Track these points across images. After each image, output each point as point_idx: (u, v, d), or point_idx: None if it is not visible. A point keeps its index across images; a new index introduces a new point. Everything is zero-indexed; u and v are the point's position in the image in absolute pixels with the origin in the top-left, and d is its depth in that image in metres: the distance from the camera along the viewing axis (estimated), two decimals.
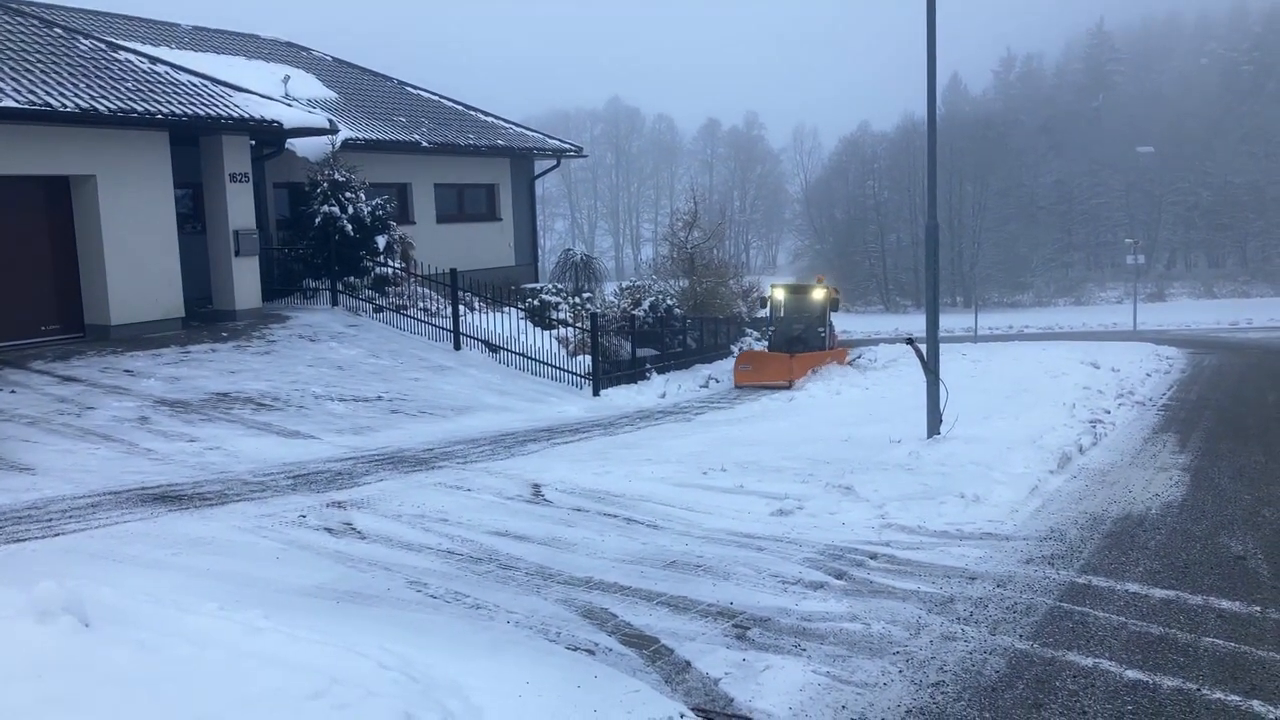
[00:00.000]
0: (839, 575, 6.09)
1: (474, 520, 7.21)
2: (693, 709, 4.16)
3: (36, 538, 6.34)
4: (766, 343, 23.42)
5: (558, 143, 26.67)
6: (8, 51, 14.23)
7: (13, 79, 13.51)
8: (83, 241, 14.80)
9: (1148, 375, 18.78)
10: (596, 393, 16.60)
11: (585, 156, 28.05)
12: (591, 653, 4.76)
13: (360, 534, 6.70)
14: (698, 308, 28.42)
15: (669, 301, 24.00)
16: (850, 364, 22.53)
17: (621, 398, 16.70)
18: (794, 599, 5.60)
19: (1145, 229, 68.22)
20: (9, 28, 15.03)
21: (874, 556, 6.52)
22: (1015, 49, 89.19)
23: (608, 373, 17.70)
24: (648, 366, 19.88)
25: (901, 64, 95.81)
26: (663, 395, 17.57)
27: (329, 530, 6.74)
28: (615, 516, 7.50)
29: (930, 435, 10.33)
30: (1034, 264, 69.06)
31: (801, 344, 21.22)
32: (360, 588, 5.56)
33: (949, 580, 6.01)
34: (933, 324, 10.39)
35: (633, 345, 19.62)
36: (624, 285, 27.21)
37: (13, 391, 11.53)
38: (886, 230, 71.65)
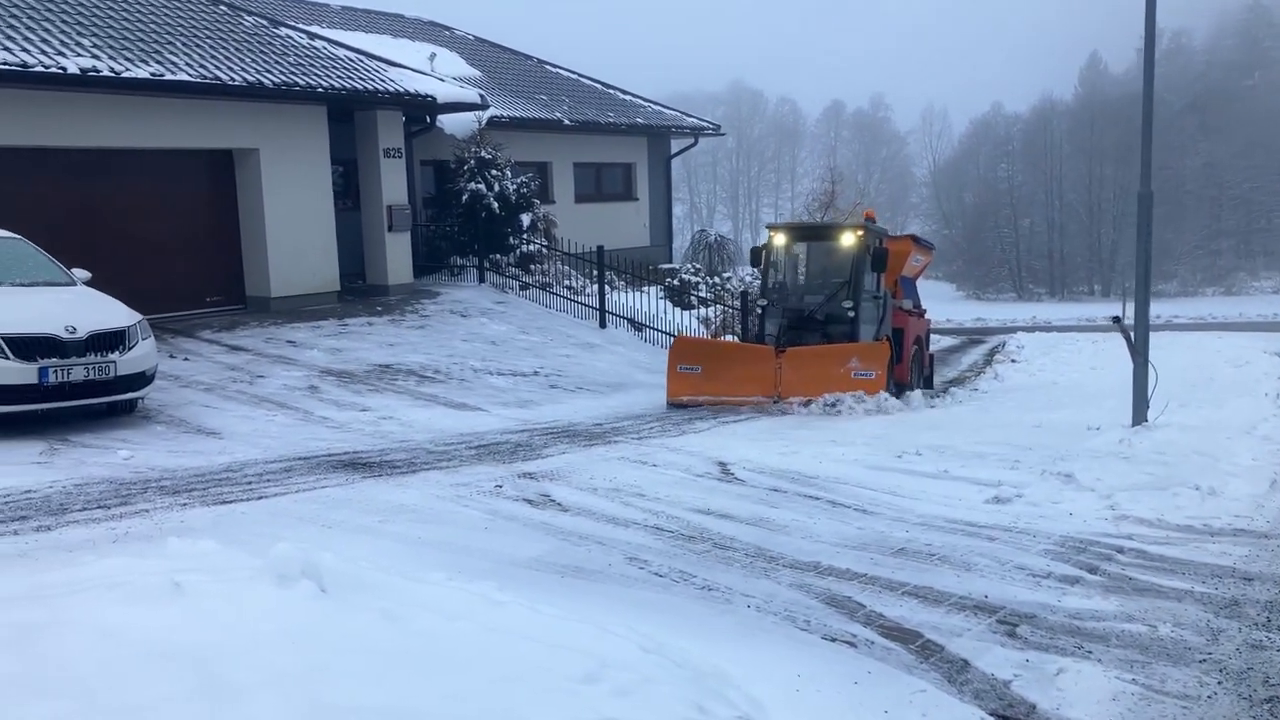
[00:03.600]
0: (1091, 570, 5.49)
1: (671, 496, 6.84)
2: (991, 714, 3.67)
3: (241, 500, 6.22)
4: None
5: (695, 120, 26.22)
6: (179, 29, 14.49)
7: (184, 54, 13.74)
8: (245, 215, 15.03)
9: None
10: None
11: (724, 134, 27.53)
12: (853, 645, 4.31)
13: (561, 506, 6.40)
14: None
15: None
16: (923, 375, 14.59)
17: None
18: (1053, 594, 5.04)
19: None
20: (179, 6, 15.33)
21: (1121, 551, 5.89)
22: (1161, 25, 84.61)
23: None
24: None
25: (1037, 44, 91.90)
26: None
27: (529, 501, 6.46)
28: (817, 499, 7.04)
29: (1136, 423, 9.53)
30: (1178, 251, 65.47)
31: (811, 331, 12.25)
32: (579, 562, 5.23)
33: (1221, 580, 5.35)
34: (1143, 304, 9.59)
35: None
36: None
37: (186, 359, 11.72)
38: (1020, 215, 68.89)
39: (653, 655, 3.74)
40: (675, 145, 26.20)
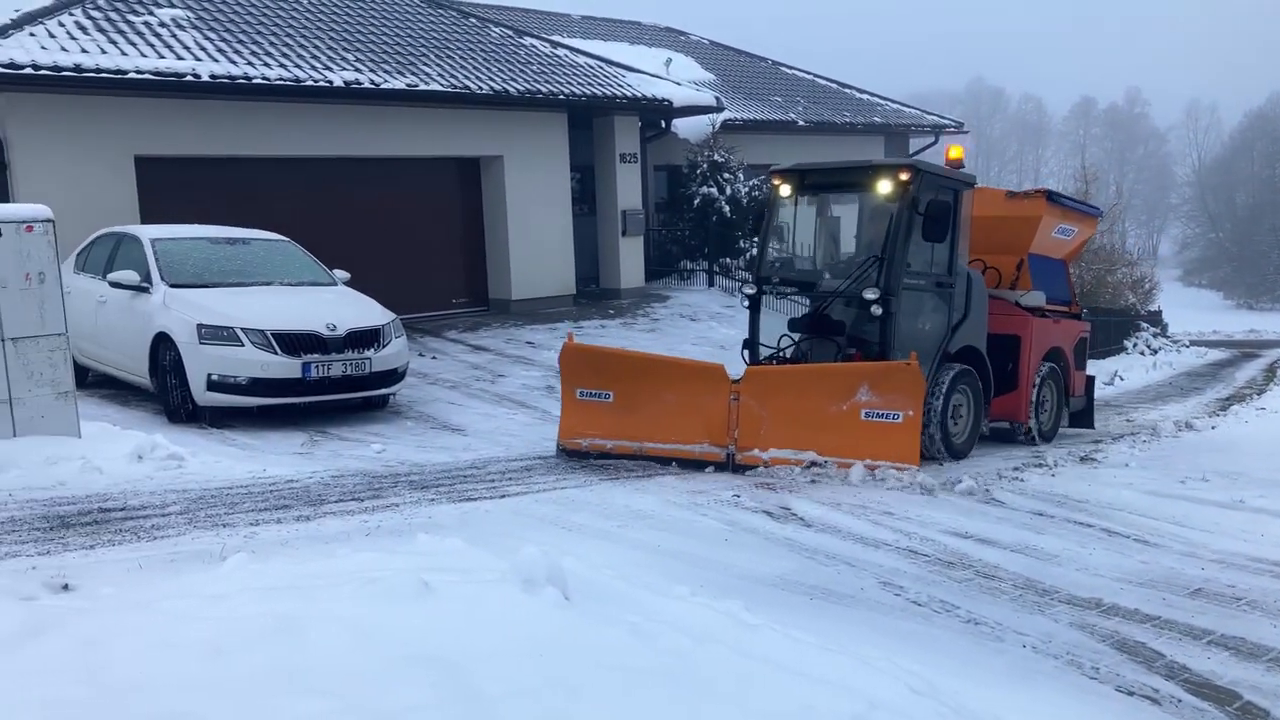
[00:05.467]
0: None
1: (923, 516, 6.34)
2: None
3: (485, 497, 6.27)
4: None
5: (936, 118, 25.10)
6: (432, 42, 15.20)
7: (436, 65, 14.37)
8: (489, 220, 15.58)
9: None
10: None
11: (966, 132, 26.17)
12: (1155, 701, 3.74)
13: (804, 521, 6.05)
14: (1084, 298, 25.65)
15: None
16: (1063, 410, 9.98)
17: None
18: None
19: None
20: (432, 19, 16.10)
21: None
22: None
23: None
24: None
25: None
26: None
27: (769, 514, 6.15)
28: (1089, 526, 6.34)
29: None
30: None
31: (828, 337, 8.12)
32: (828, 583, 4.88)
33: None
34: None
35: None
36: None
37: (434, 357, 12.20)
38: None
39: (925, 698, 3.34)
40: (914, 145, 25.16)
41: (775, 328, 8.37)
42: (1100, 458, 8.71)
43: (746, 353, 8.47)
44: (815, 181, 8.62)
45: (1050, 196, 9.84)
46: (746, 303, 8.57)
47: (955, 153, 9.11)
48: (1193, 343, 28.90)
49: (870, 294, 7.74)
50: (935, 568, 5.27)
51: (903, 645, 4.05)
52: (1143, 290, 33.11)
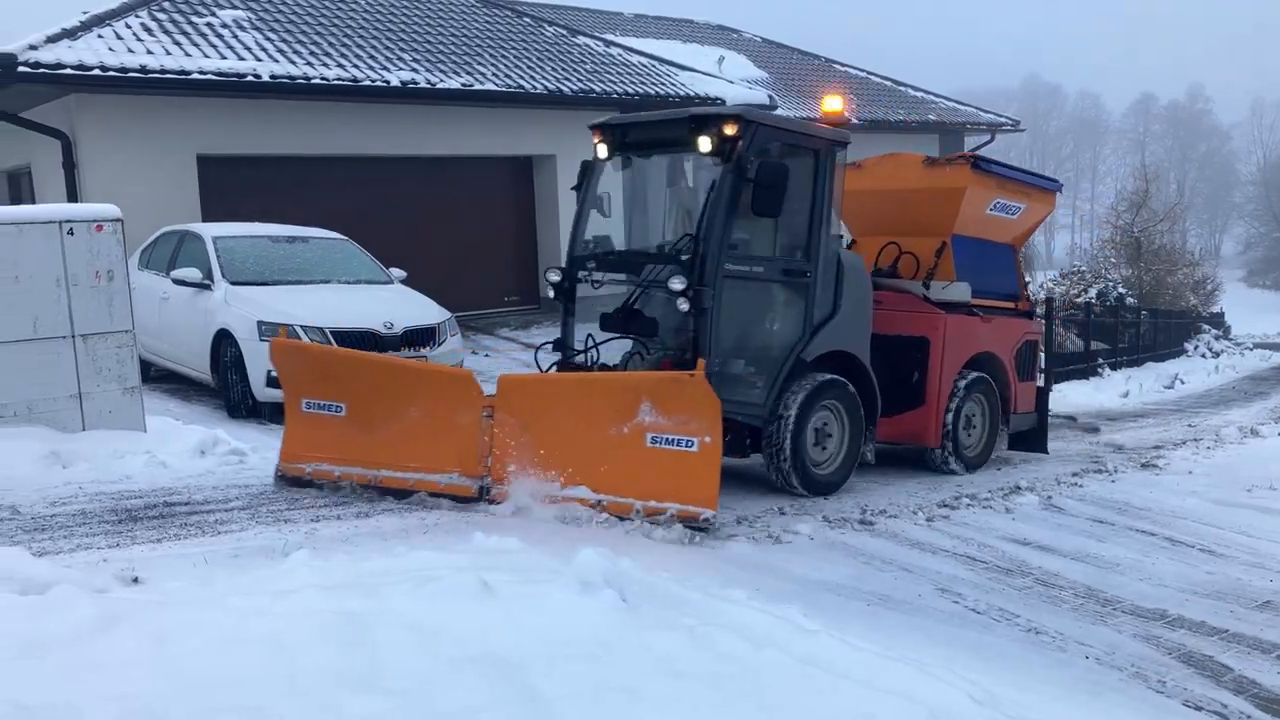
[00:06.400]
0: None
1: (980, 522, 6.27)
2: None
3: None
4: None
5: (992, 116, 24.75)
6: (487, 41, 15.30)
7: (491, 64, 14.47)
8: (541, 218, 15.66)
9: None
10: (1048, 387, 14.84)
11: (1022, 130, 25.81)
12: (1224, 717, 3.65)
13: (858, 524, 6.00)
14: (1143, 299, 25.18)
15: (1119, 289, 21.38)
16: (994, 432, 8.11)
17: (1076, 394, 14.92)
18: None
19: None
20: (487, 19, 16.21)
21: None
22: None
23: (1055, 366, 15.81)
24: (1100, 361, 17.70)
25: None
26: (1125, 395, 15.48)
27: (825, 519, 6.11)
28: (1151, 535, 6.22)
29: None
30: None
31: (635, 331, 6.52)
32: (885, 589, 4.83)
33: None
34: None
35: (1086, 337, 17.51)
36: (1063, 272, 24.75)
37: (486, 355, 12.29)
38: None
39: (986, 709, 3.29)
40: (969, 143, 24.83)
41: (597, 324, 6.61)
42: (1162, 464, 8.54)
43: (545, 357, 6.87)
44: (639, 138, 6.80)
45: (977, 164, 7.88)
46: (552, 292, 6.80)
47: (832, 104, 7.54)
48: (1256, 345, 28.24)
49: (676, 283, 5.98)
50: (994, 575, 5.20)
51: (961, 654, 4.00)
52: (1204, 291, 32.42)
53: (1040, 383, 8.99)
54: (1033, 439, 8.75)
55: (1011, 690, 3.63)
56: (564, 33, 16.82)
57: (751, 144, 6.17)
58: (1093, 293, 20.57)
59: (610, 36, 19.64)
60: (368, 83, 12.72)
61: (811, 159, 6.64)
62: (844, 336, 6.77)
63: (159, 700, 2.85)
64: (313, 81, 12.35)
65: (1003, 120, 24.82)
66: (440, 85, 13.28)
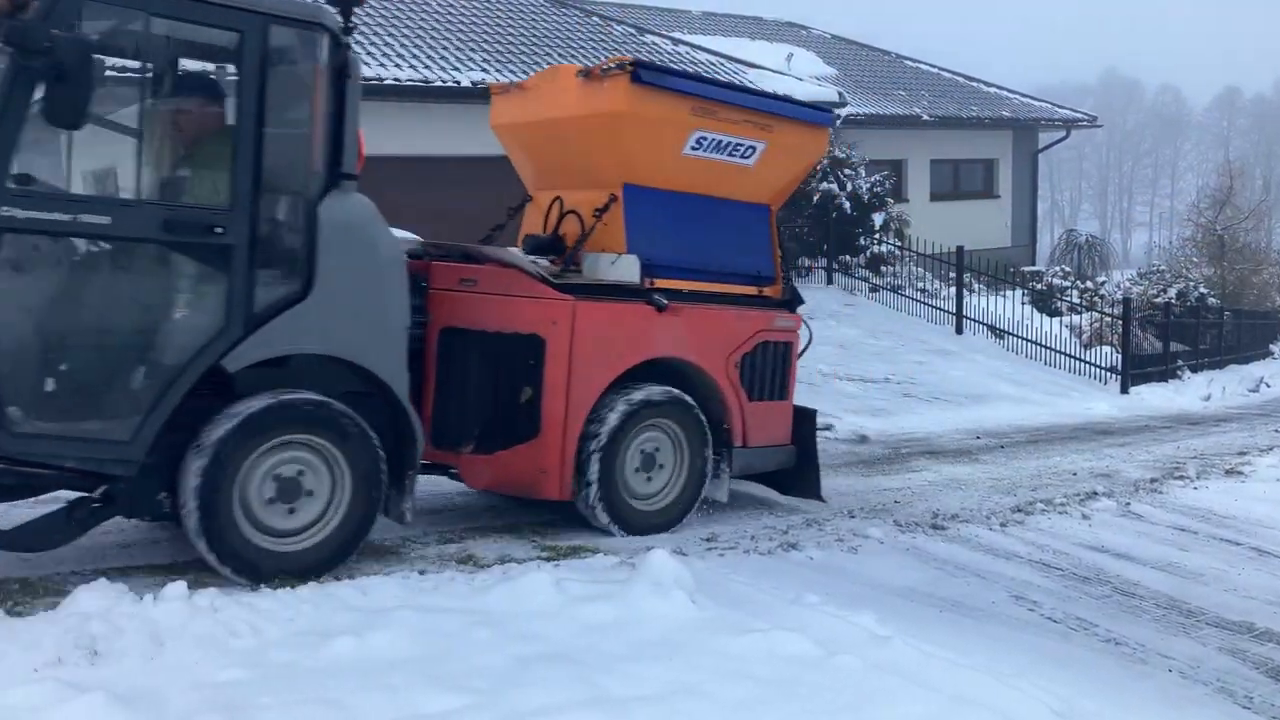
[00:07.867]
0: None
1: (1055, 528, 6.13)
2: None
3: None
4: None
5: (1068, 112, 24.24)
6: (556, 41, 15.41)
7: (561, 63, 14.55)
8: None
9: None
10: (1125, 389, 14.51)
11: (1099, 126, 25.23)
12: None
13: (931, 529, 5.92)
14: (1226, 299, 24.39)
15: (1201, 289, 20.75)
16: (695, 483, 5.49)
17: (1155, 397, 14.48)
18: None
19: None
20: (556, 18, 16.32)
21: None
22: None
23: (1131, 368, 15.42)
24: (1180, 364, 17.20)
25: None
26: (1206, 398, 15.00)
27: (896, 523, 6.04)
28: (1237, 544, 6.04)
29: None
30: None
31: None
32: (958, 596, 4.76)
33: None
34: None
35: (1165, 338, 17.02)
36: (1141, 271, 24.13)
37: None
38: None
39: None
40: (1043, 139, 24.33)
41: None
42: (1248, 471, 8.28)
43: None
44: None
45: (639, 75, 5.15)
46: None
47: None
48: None
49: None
50: (1070, 582, 5.09)
51: (1038, 664, 3.91)
52: None
53: (797, 400, 6.16)
54: (798, 481, 6.09)
55: (1090, 702, 3.54)
56: (632, 31, 16.86)
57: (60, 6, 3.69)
58: (1172, 292, 19.97)
59: (679, 35, 19.63)
60: (439, 83, 12.88)
61: (234, 41, 4.20)
62: (331, 333, 4.32)
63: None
64: (385, 82, 12.54)
65: (1079, 115, 24.28)
66: None
